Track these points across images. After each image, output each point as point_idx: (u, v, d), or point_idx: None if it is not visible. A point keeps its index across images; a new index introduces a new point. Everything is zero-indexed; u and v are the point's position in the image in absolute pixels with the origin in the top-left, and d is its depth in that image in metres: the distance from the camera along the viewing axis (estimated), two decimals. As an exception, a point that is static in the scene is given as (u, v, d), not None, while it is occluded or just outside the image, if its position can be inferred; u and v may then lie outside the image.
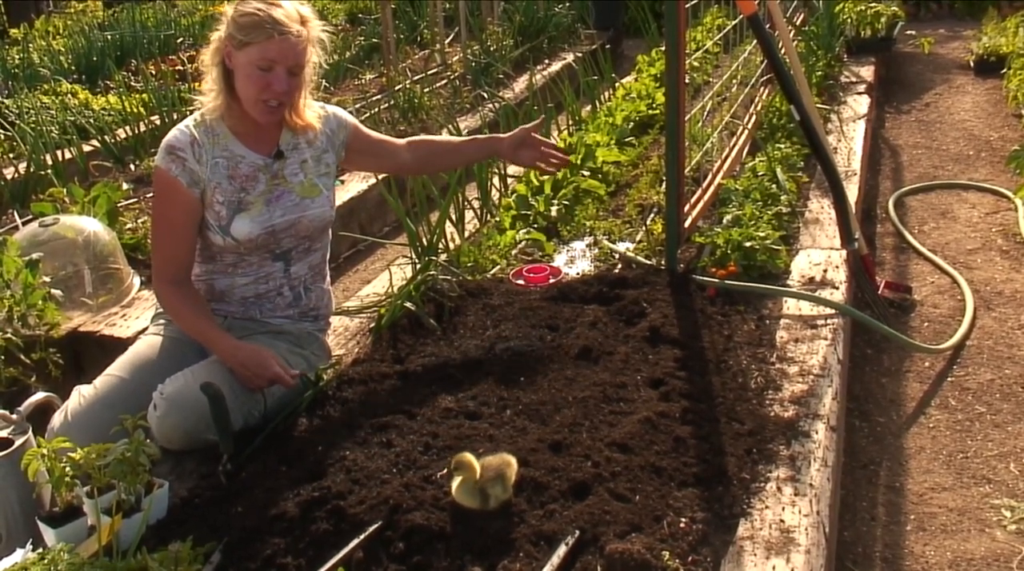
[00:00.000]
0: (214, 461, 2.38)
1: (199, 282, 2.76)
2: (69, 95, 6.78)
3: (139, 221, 4.33)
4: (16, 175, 4.92)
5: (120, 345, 3.18)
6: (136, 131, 5.84)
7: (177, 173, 2.60)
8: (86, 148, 5.53)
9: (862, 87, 6.23)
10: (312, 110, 2.78)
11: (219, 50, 2.60)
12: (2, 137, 5.77)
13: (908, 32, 8.13)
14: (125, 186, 4.68)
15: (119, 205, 4.33)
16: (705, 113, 4.71)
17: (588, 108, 6.04)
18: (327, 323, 2.98)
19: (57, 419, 2.49)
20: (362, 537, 1.99)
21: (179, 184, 2.60)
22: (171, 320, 2.79)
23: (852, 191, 4.23)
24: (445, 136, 2.80)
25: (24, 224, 4.09)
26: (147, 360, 2.66)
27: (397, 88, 6.66)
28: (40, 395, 2.48)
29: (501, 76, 7.51)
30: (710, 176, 4.07)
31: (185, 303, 2.66)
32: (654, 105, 5.66)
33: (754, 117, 4.98)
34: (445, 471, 2.14)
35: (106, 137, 5.67)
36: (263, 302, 2.77)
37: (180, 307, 2.66)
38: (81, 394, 2.53)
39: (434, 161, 3.19)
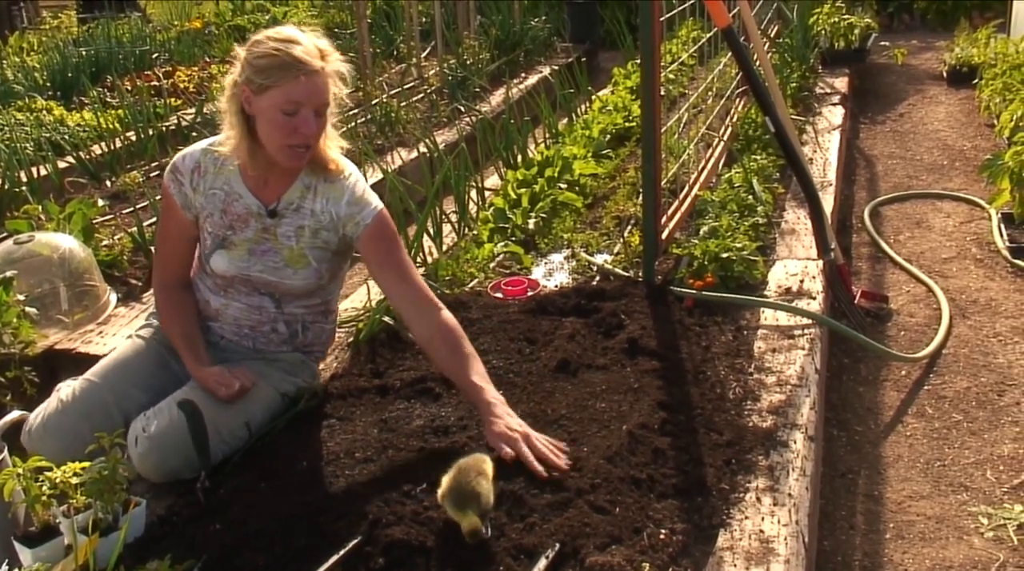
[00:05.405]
0: (192, 479, 2.37)
1: (197, 294, 2.76)
2: (44, 111, 6.71)
3: (115, 237, 4.30)
4: (-10, 192, 4.88)
5: (96, 363, 3.15)
6: (111, 147, 5.80)
7: (174, 192, 2.65)
8: (61, 165, 5.48)
9: (837, 98, 6.29)
10: (336, 147, 2.60)
11: (236, 96, 2.44)
12: (-24, 154, 5.72)
13: (882, 43, 8.23)
14: (100, 202, 4.64)
15: (95, 222, 4.29)
16: (681, 125, 4.74)
17: (565, 121, 6.05)
18: (322, 354, 2.95)
19: (34, 420, 2.48)
20: (342, 552, 1.98)
21: (175, 203, 2.66)
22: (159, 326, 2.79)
23: (828, 201, 4.26)
24: (469, 354, 2.48)
25: (-2, 241, 4.05)
26: (129, 367, 2.66)
27: (374, 102, 6.66)
28: (15, 414, 2.47)
29: (478, 90, 7.52)
30: (687, 188, 4.09)
31: (167, 307, 2.73)
32: (631, 117, 5.69)
33: (730, 129, 5.01)
34: (425, 486, 2.13)
35: (81, 153, 5.63)
36: (257, 336, 2.73)
37: (162, 309, 2.76)
38: (60, 399, 2.53)
39: (435, 358, 2.58)
